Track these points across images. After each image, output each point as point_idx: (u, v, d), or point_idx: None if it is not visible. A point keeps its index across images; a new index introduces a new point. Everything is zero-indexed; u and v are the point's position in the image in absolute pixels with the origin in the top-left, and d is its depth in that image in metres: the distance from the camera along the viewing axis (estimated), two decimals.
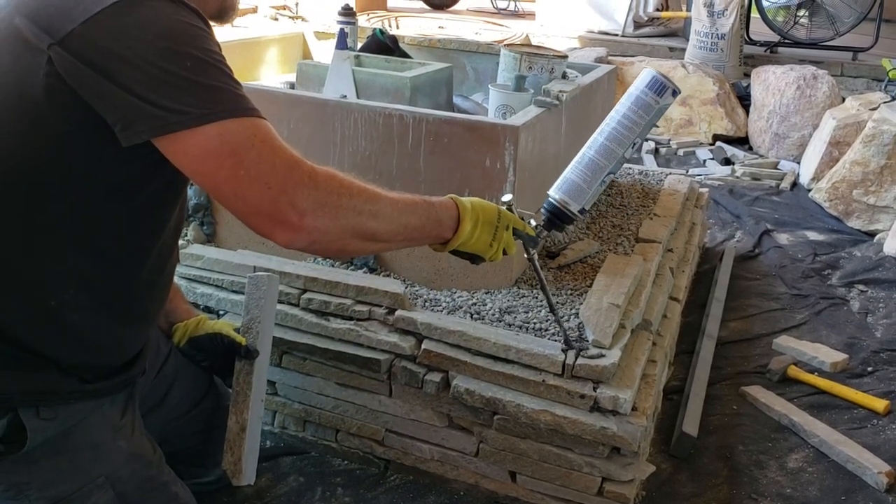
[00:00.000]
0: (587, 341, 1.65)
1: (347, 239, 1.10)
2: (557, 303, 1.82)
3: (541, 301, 1.83)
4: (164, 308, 1.57)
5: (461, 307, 1.80)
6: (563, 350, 1.59)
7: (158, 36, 1.00)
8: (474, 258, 1.36)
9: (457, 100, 2.46)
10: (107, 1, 1.00)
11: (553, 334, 1.68)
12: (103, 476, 1.21)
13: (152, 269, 1.24)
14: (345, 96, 2.03)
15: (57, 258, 1.12)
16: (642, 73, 1.48)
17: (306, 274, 1.80)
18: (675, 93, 1.45)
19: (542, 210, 1.51)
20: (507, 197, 1.44)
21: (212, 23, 1.30)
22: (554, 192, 1.49)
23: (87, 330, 1.18)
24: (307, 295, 1.78)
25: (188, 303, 1.69)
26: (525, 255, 1.50)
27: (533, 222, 1.48)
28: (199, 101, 1.00)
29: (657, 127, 4.89)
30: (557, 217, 1.49)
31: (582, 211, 1.49)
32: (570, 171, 1.50)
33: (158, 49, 1.00)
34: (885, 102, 3.82)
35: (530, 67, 2.17)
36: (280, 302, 1.80)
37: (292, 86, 2.42)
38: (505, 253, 1.38)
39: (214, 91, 1.02)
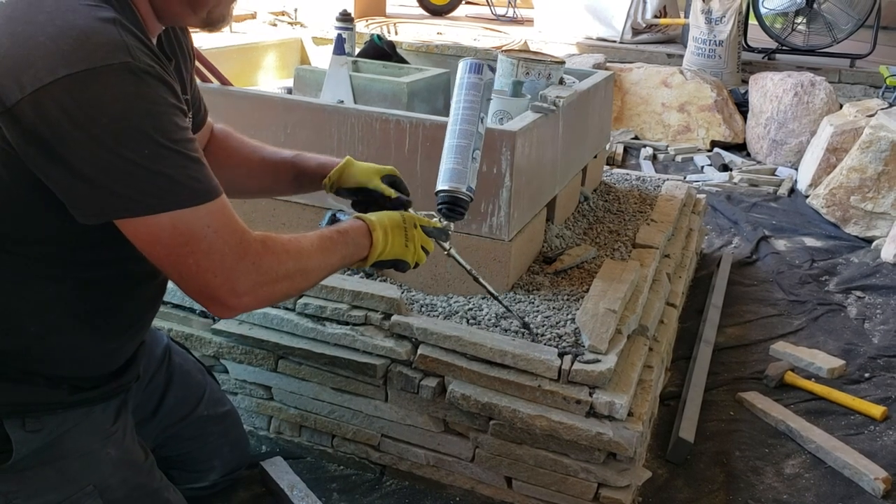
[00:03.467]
0: (583, 346, 1.65)
1: (279, 300, 1.18)
2: (553, 307, 1.82)
3: (537, 306, 1.83)
4: (294, 172, 1.52)
5: (457, 312, 1.80)
6: (521, 331, 1.69)
7: (114, 119, 0.94)
8: (398, 264, 1.38)
9: None
10: (59, 70, 0.92)
11: (550, 339, 1.68)
12: (92, 484, 1.20)
13: (138, 285, 1.23)
14: (342, 101, 2.03)
15: (36, 289, 1.10)
16: (460, 64, 1.62)
17: None
18: (491, 68, 1.62)
19: (437, 205, 1.54)
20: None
21: (202, 31, 1.29)
22: (440, 185, 1.54)
23: (73, 348, 1.17)
24: (303, 300, 1.78)
25: (314, 158, 1.54)
26: (445, 252, 1.53)
27: (435, 216, 1.52)
28: (153, 190, 0.97)
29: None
30: (453, 204, 1.52)
31: (470, 189, 1.53)
32: (445, 162, 1.56)
33: (114, 133, 0.94)
34: (882, 109, 3.83)
35: (527, 73, 2.18)
36: (275, 307, 1.80)
37: (290, 91, 2.42)
38: (426, 252, 1.42)
39: (171, 180, 0.98)
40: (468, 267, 1.60)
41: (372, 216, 1.35)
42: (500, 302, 1.70)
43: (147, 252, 1.02)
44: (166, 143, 0.98)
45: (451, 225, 1.53)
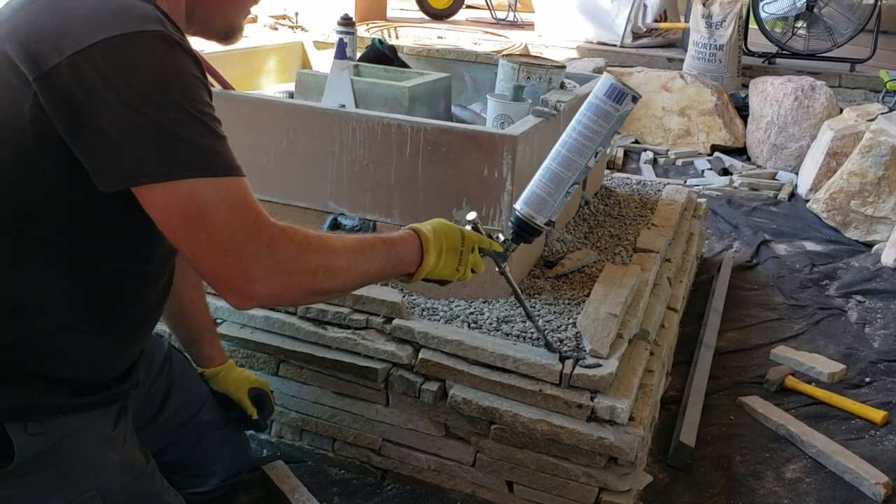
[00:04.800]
0: (584, 351, 1.65)
1: (299, 298, 1.13)
2: (554, 311, 1.82)
3: (538, 310, 1.83)
4: (186, 341, 1.64)
5: (459, 316, 1.80)
6: (549, 352, 1.63)
7: (146, 80, 0.97)
8: (441, 282, 1.36)
9: (455, 110, 2.47)
10: (98, 35, 0.96)
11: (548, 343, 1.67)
12: (94, 489, 1.20)
13: (143, 287, 1.23)
14: (343, 105, 2.04)
15: (44, 280, 1.10)
16: (600, 81, 1.45)
17: None
18: (634, 98, 1.43)
19: (510, 224, 1.51)
20: (471, 216, 1.43)
21: (218, 43, 1.31)
22: (519, 206, 1.49)
23: (77, 348, 1.17)
24: None
25: (216, 346, 1.68)
26: (497, 270, 1.50)
27: (501, 236, 1.48)
28: (174, 156, 0.97)
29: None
30: (524, 230, 1.49)
31: (549, 223, 1.48)
32: (535, 184, 1.49)
33: (144, 94, 0.96)
34: (882, 113, 3.84)
35: (528, 77, 2.18)
36: (277, 311, 1.80)
37: (291, 95, 2.42)
38: (474, 272, 1.38)
39: (193, 147, 0.99)
40: (517, 288, 1.56)
41: (429, 230, 1.29)
42: (533, 323, 1.65)
43: (163, 224, 1.01)
44: (193, 111, 0.99)
45: (514, 246, 1.51)
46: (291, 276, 1.06)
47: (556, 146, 1.49)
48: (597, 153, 1.46)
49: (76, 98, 0.96)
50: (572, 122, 1.48)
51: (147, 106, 0.96)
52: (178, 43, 1.02)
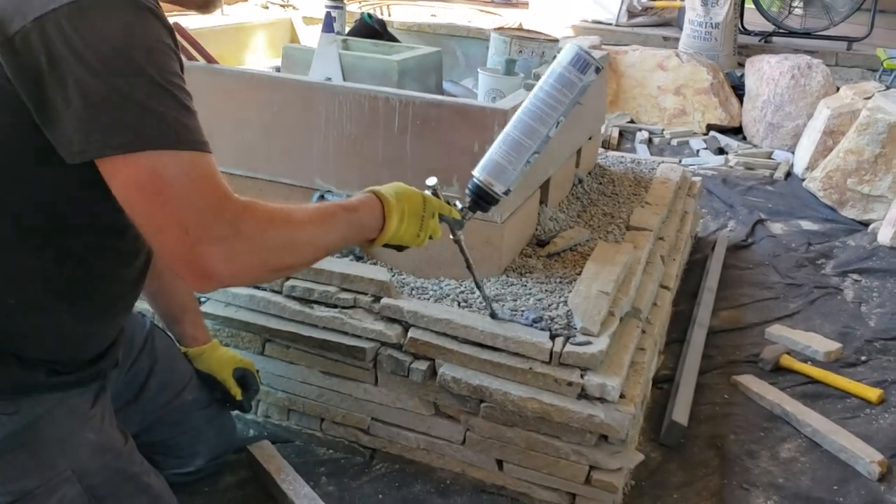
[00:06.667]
0: (575, 329, 1.62)
1: (262, 277, 1.08)
2: (546, 290, 1.79)
3: (529, 289, 1.80)
4: (169, 320, 1.61)
5: (448, 295, 1.77)
6: (493, 319, 1.63)
7: (114, 48, 0.92)
8: (399, 248, 1.33)
9: (447, 85, 2.43)
10: None
11: (535, 320, 1.64)
12: (70, 469, 1.17)
13: (118, 265, 1.19)
14: (329, 79, 1.99)
15: (14, 258, 1.07)
16: (565, 49, 1.42)
17: None
18: (597, 69, 1.40)
19: (467, 191, 1.47)
20: (431, 181, 1.40)
21: (196, 12, 1.26)
22: (478, 173, 1.46)
23: (51, 327, 1.14)
24: (290, 282, 1.75)
25: (199, 325, 1.65)
26: (452, 238, 1.48)
27: (458, 204, 1.46)
28: (139, 126, 0.93)
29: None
30: (482, 198, 1.46)
31: (507, 192, 1.45)
32: (494, 151, 1.45)
33: (109, 61, 0.91)
34: (879, 91, 3.80)
35: (520, 51, 2.14)
36: (262, 289, 1.77)
37: (278, 70, 2.38)
38: (431, 238, 1.36)
39: (158, 118, 0.94)
40: (470, 258, 1.54)
41: (391, 194, 1.26)
42: (482, 292, 1.63)
43: (123, 198, 0.96)
44: (161, 81, 0.95)
45: (471, 214, 1.48)
46: (254, 254, 1.01)
47: (518, 113, 1.46)
48: (558, 123, 1.43)
49: (39, 63, 0.91)
50: (534, 90, 1.45)
51: (112, 75, 0.92)
52: (150, 9, 0.96)
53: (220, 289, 1.07)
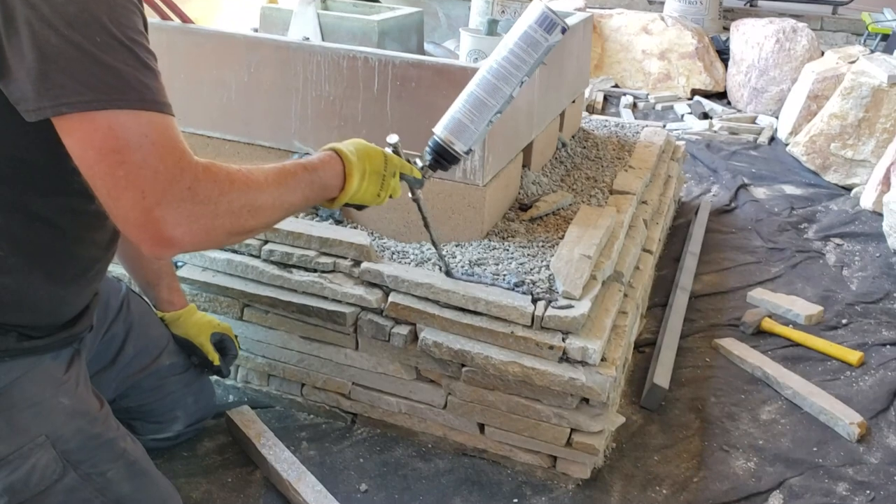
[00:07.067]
0: (557, 293, 1.61)
1: (221, 241, 1.03)
2: (528, 254, 1.77)
3: (512, 253, 1.78)
4: (144, 285, 1.59)
5: (429, 259, 1.75)
6: (448, 277, 1.64)
7: (70, 1, 0.87)
8: (360, 206, 1.31)
9: (428, 47, 2.39)
10: None
11: (517, 284, 1.63)
12: (44, 434, 1.15)
13: (89, 228, 1.16)
14: (307, 38, 1.95)
15: None
16: (531, 7, 1.39)
17: None
18: (563, 30, 1.38)
19: (427, 149, 1.45)
20: (392, 138, 1.38)
21: None
22: (439, 130, 1.43)
23: (22, 291, 1.10)
24: (268, 246, 1.72)
25: (175, 290, 1.62)
26: (410, 196, 1.46)
27: (419, 162, 1.43)
28: (96, 83, 0.88)
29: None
30: (442, 157, 1.44)
31: (468, 151, 1.44)
32: (456, 109, 1.43)
33: (66, 14, 0.87)
34: (864, 56, 3.78)
35: (503, 11, 2.10)
36: (240, 253, 1.75)
37: (256, 31, 2.33)
38: (390, 197, 1.33)
39: (118, 75, 0.89)
40: (428, 217, 1.54)
41: (352, 152, 1.23)
42: (437, 249, 1.63)
43: (79, 158, 0.92)
44: (121, 37, 0.91)
45: (431, 173, 1.46)
46: (214, 218, 0.97)
47: (480, 71, 1.43)
48: (522, 83, 1.41)
49: None
50: (499, 48, 1.42)
51: (69, 29, 0.87)
52: None
53: (179, 254, 1.01)
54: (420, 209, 1.51)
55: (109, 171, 0.90)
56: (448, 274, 1.65)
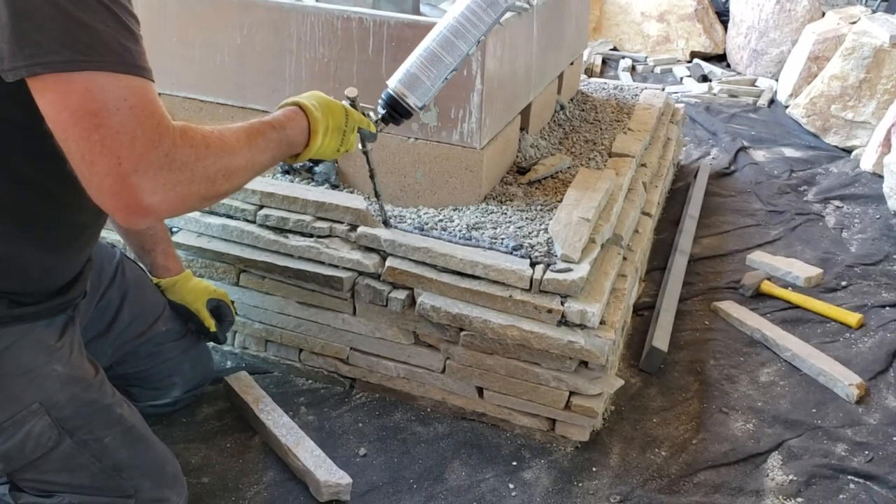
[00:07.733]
0: (556, 256, 1.60)
1: (196, 206, 1.00)
2: (526, 217, 1.76)
3: (510, 217, 1.77)
4: (140, 251, 1.57)
5: (427, 224, 1.73)
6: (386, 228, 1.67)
7: None
8: (317, 161, 1.30)
9: (424, 8, 2.34)
10: None
11: (515, 248, 1.61)
12: (38, 402, 1.14)
13: (82, 194, 1.13)
14: None
15: None
16: None
17: (262, 189, 1.72)
18: None
19: (380, 102, 1.44)
20: (352, 92, 1.37)
21: None
22: (393, 83, 1.42)
23: (12, 257, 1.09)
24: (264, 211, 1.71)
25: (171, 255, 1.60)
26: (360, 149, 1.45)
27: (372, 116, 1.42)
28: (74, 43, 0.85)
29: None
30: (396, 110, 1.42)
31: (422, 107, 1.43)
32: (411, 63, 1.42)
33: None
34: (865, 16, 3.73)
35: None
36: (235, 218, 1.73)
37: None
38: (347, 151, 1.33)
39: (96, 36, 0.86)
40: (374, 168, 1.56)
41: (315, 107, 1.22)
42: (378, 199, 1.63)
43: (53, 122, 0.89)
44: None
45: (384, 126, 1.45)
46: (190, 185, 0.94)
47: (438, 27, 1.43)
48: (478, 41, 1.42)
49: None
50: (457, 5, 1.42)
51: None
52: None
53: (153, 223, 0.98)
54: (368, 162, 1.53)
55: (84, 135, 0.87)
56: (386, 224, 1.67)
